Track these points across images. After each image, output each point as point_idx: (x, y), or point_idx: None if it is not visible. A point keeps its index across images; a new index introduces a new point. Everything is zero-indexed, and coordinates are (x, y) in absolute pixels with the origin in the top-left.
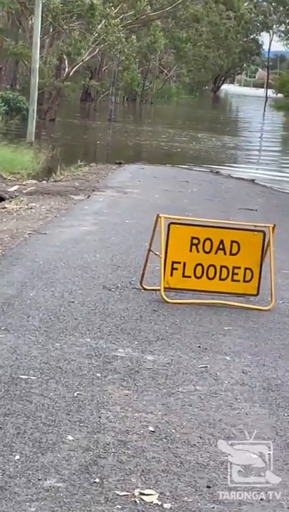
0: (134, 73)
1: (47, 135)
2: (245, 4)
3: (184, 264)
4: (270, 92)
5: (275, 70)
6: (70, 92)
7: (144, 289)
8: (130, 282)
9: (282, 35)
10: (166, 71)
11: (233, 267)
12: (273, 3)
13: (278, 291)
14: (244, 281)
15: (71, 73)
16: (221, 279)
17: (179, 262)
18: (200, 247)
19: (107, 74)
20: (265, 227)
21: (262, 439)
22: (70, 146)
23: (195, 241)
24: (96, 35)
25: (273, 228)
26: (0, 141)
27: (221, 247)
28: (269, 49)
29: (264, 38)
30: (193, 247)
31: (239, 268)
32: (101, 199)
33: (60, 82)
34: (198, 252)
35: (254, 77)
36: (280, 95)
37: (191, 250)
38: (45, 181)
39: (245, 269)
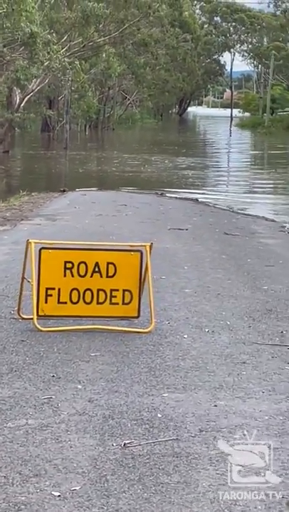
0: (91, 100)
1: None
2: (205, 26)
3: (59, 289)
4: (237, 112)
5: (241, 90)
6: (31, 122)
7: (22, 318)
8: (11, 312)
9: (246, 54)
10: (128, 96)
11: (111, 290)
12: (233, 23)
13: (170, 311)
14: (123, 303)
15: (23, 104)
16: (98, 302)
17: (53, 288)
18: (74, 271)
19: (64, 103)
20: (141, 246)
21: (75, 472)
22: (18, 176)
23: (69, 265)
24: (39, 63)
25: (150, 247)
26: None
27: (96, 269)
28: (231, 69)
29: (227, 58)
30: (67, 271)
31: (117, 290)
32: (25, 228)
33: (11, 113)
34: (72, 276)
35: (222, 97)
36: (247, 114)
37: (65, 275)
38: None
39: (124, 291)
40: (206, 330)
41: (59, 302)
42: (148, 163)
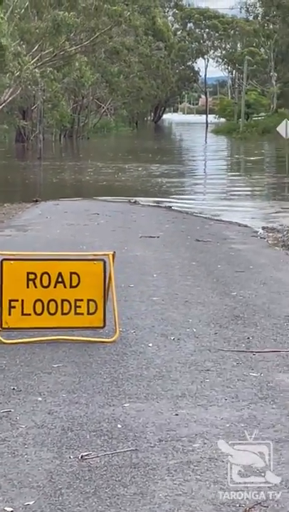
0: (64, 110)
1: None
2: (179, 33)
3: (22, 301)
4: (212, 118)
5: (216, 96)
6: (5, 133)
7: None
8: None
9: (220, 60)
10: (102, 105)
11: (75, 300)
12: (206, 30)
13: (136, 319)
14: (88, 313)
15: None
16: (63, 313)
17: (17, 300)
18: (37, 282)
19: (38, 113)
20: (104, 255)
21: (30, 487)
22: None
23: (31, 276)
24: (9, 74)
25: (113, 256)
26: None
27: (60, 280)
28: (205, 75)
29: (201, 64)
30: (30, 282)
31: (82, 300)
32: None
33: None
34: (36, 287)
35: (197, 103)
36: (222, 120)
37: (28, 286)
38: None
39: (88, 300)
40: (172, 338)
41: (23, 314)
42: (122, 172)
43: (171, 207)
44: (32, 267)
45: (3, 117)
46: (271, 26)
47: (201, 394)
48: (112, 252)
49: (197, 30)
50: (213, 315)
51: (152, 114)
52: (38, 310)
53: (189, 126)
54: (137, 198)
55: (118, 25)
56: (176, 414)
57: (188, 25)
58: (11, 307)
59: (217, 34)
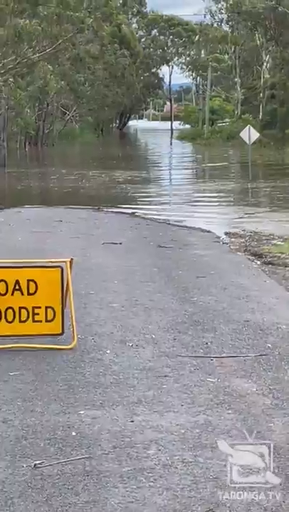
0: (28, 117)
1: None
2: (143, 40)
3: None
4: (178, 124)
5: (181, 102)
6: None
7: None
8: None
9: (184, 67)
10: (67, 112)
11: (33, 307)
12: (170, 37)
13: (95, 326)
14: (46, 320)
15: None
16: (21, 321)
17: None
18: None
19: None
20: (62, 262)
21: None
22: None
23: None
24: None
25: (71, 262)
26: None
27: (17, 287)
28: (170, 82)
29: (166, 71)
30: None
31: (39, 308)
32: None
33: None
34: None
35: (162, 110)
36: (187, 126)
37: None
38: None
39: (46, 308)
40: (130, 344)
41: None
42: (86, 178)
43: (134, 213)
44: None
45: None
46: (236, 33)
47: (158, 400)
48: (69, 259)
49: (161, 37)
50: (172, 321)
51: (117, 121)
52: None
53: (154, 132)
54: (101, 205)
55: (81, 32)
56: (132, 421)
57: (153, 32)
58: None
59: (181, 41)
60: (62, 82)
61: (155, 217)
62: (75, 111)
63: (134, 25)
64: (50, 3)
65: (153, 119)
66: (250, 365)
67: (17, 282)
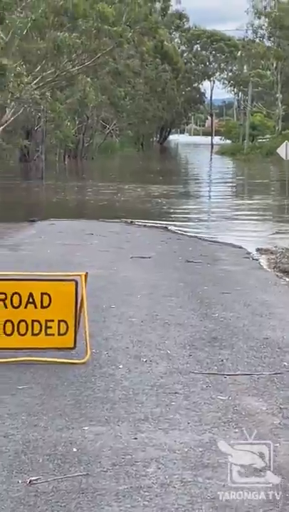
0: (67, 130)
1: None
2: (185, 54)
3: None
4: (218, 139)
5: (223, 117)
6: (9, 153)
7: None
8: None
9: (226, 82)
10: (107, 125)
11: (46, 321)
12: (213, 52)
13: (111, 340)
14: (59, 334)
15: None
16: (33, 334)
17: None
18: (8, 302)
19: (44, 133)
20: (77, 275)
21: None
22: None
23: (2, 296)
24: (9, 94)
25: (85, 276)
26: None
27: (30, 300)
28: (211, 97)
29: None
30: (0, 302)
31: (52, 321)
32: None
33: None
34: (6, 307)
35: (204, 125)
36: (228, 141)
37: None
38: None
39: (59, 321)
40: (144, 360)
41: None
42: (122, 192)
43: (167, 227)
44: (2, 287)
45: (7, 137)
46: (278, 48)
47: (165, 417)
48: (84, 273)
49: (203, 52)
50: (190, 337)
51: (158, 135)
52: (8, 330)
53: (194, 147)
54: (134, 219)
55: (120, 46)
56: (135, 438)
57: (195, 47)
58: None
59: (223, 56)
60: (103, 96)
61: (188, 232)
62: (115, 124)
63: (177, 40)
64: (89, 17)
65: (194, 134)
66: (263, 384)
67: (31, 295)
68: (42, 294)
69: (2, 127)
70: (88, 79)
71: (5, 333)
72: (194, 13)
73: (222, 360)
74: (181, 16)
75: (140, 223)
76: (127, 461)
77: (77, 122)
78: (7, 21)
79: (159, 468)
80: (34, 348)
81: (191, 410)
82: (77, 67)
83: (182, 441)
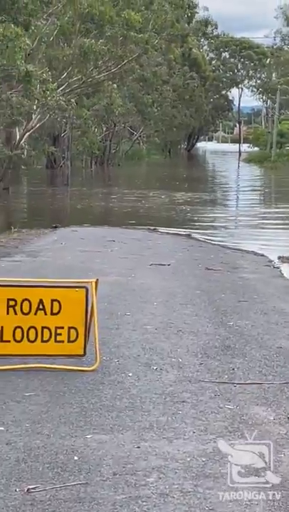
0: (93, 137)
1: None
2: (213, 62)
3: (2, 327)
4: (246, 147)
5: (251, 125)
6: (37, 159)
7: None
8: None
9: (254, 89)
10: (135, 132)
11: (56, 327)
12: (241, 59)
13: (123, 348)
14: (69, 341)
15: (23, 140)
16: (43, 341)
17: None
18: (18, 308)
19: (70, 139)
20: (87, 282)
21: None
22: (14, 213)
23: (12, 302)
24: (35, 101)
25: (96, 283)
26: None
27: (40, 307)
28: (239, 104)
29: (236, 93)
30: (10, 309)
31: (62, 328)
32: (3, 265)
33: (10, 150)
34: (16, 314)
35: (232, 132)
36: (256, 148)
37: (8, 313)
38: None
39: (69, 328)
40: (154, 368)
41: (2, 341)
42: (146, 199)
43: (190, 235)
44: (12, 293)
45: (33, 143)
46: None
47: (170, 426)
48: (94, 280)
49: (232, 59)
50: (203, 345)
51: (186, 142)
52: (18, 337)
53: (222, 154)
54: (158, 226)
55: (146, 54)
56: (138, 447)
57: (223, 54)
58: None
59: (252, 64)
60: (131, 104)
61: (211, 239)
62: (142, 131)
63: (205, 47)
64: (116, 23)
65: (222, 141)
66: (273, 393)
67: (41, 302)
68: (52, 300)
69: (28, 133)
70: (114, 85)
71: (14, 339)
72: (222, 20)
73: (233, 369)
74: (207, 22)
75: (163, 230)
76: (127, 470)
77: (104, 129)
78: (33, 28)
79: (160, 478)
80: (43, 354)
81: (197, 419)
82: (103, 74)
83: (185, 450)
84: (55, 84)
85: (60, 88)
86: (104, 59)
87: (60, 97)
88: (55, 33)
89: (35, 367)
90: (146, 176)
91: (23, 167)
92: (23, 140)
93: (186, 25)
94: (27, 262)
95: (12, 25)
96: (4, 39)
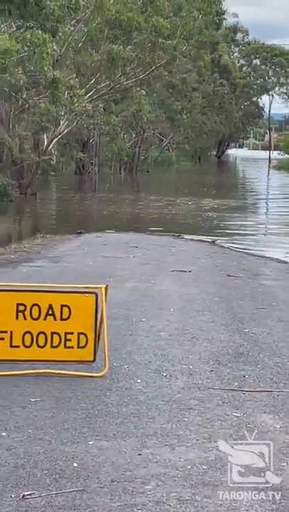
0: (122, 143)
1: (20, 209)
2: (244, 68)
3: (11, 333)
4: (277, 154)
5: (282, 132)
6: (66, 165)
7: None
8: None
9: (285, 96)
10: (164, 139)
11: (65, 333)
12: (272, 66)
13: (134, 354)
14: (78, 347)
15: (50, 146)
16: (52, 346)
17: (5, 332)
18: (27, 313)
19: (98, 146)
20: (97, 288)
21: None
22: (40, 219)
23: (21, 307)
24: (64, 107)
25: (106, 289)
26: None
27: (50, 312)
28: (269, 111)
29: (266, 100)
30: (20, 314)
31: (72, 333)
32: (24, 270)
33: (37, 156)
34: (25, 319)
35: (263, 139)
36: (287, 156)
37: (17, 318)
38: None
39: (79, 334)
40: (164, 374)
41: (11, 346)
42: (173, 205)
43: (214, 241)
44: (22, 298)
45: (62, 150)
46: None
47: (174, 433)
48: (104, 285)
49: (263, 66)
50: (216, 352)
51: (216, 149)
52: (27, 342)
53: (253, 161)
54: (183, 232)
55: (174, 60)
56: (139, 454)
57: (254, 61)
58: None
59: (283, 71)
60: (160, 110)
61: (235, 246)
62: (171, 138)
63: (236, 54)
64: (144, 29)
65: (254, 148)
66: (282, 401)
67: (50, 307)
68: (62, 306)
69: (56, 139)
70: (143, 91)
71: (24, 344)
72: (253, 27)
73: (244, 376)
74: (236, 29)
75: (187, 237)
76: (126, 477)
77: (133, 135)
78: (60, 34)
79: (158, 486)
80: (53, 360)
81: (202, 427)
82: (131, 81)
83: (187, 458)
84: (83, 91)
85: (88, 94)
86: (132, 65)
87: (87, 103)
88: (84, 39)
89: (44, 372)
90: (175, 182)
91: (52, 173)
92: (50, 146)
93: (215, 31)
94: (48, 267)
95: (39, 32)
96: (31, 45)
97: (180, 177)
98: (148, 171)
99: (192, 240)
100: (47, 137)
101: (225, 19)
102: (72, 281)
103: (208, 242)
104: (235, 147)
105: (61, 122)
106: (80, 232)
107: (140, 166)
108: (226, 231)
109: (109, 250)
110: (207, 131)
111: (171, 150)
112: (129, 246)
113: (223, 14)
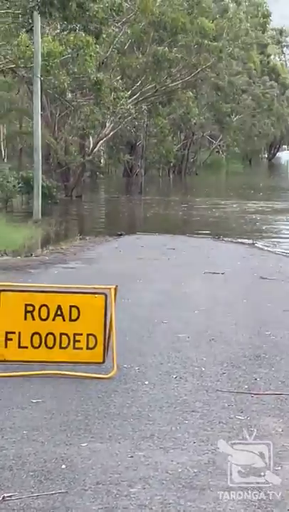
0: (170, 145)
1: (64, 211)
2: None
3: (19, 333)
4: None
5: None
6: (114, 168)
7: None
8: None
9: None
10: (214, 141)
11: (74, 334)
12: None
13: (148, 356)
14: (87, 348)
15: (96, 148)
16: (61, 347)
17: (14, 332)
18: (36, 314)
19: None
20: (106, 288)
21: None
22: (84, 221)
23: (30, 308)
24: (107, 109)
25: (115, 289)
26: (10, 220)
27: (59, 313)
28: None
29: None
30: (28, 314)
31: (81, 335)
32: (56, 272)
33: (82, 158)
34: (34, 319)
35: None
36: None
37: (26, 318)
38: (19, 257)
39: (88, 335)
40: (174, 376)
41: (20, 347)
42: (217, 208)
43: (254, 244)
44: (31, 298)
45: (109, 152)
46: None
47: (171, 436)
48: (114, 286)
49: None
50: (232, 354)
51: (267, 151)
52: (36, 343)
53: None
54: (224, 234)
55: (219, 61)
56: (131, 457)
57: None
58: (7, 339)
59: None
60: (210, 113)
61: (275, 249)
62: (221, 140)
63: (287, 56)
64: (190, 31)
65: None
66: None
67: (59, 307)
68: (70, 306)
69: (102, 141)
70: (190, 93)
71: (32, 345)
72: None
73: (255, 379)
74: (281, 31)
75: (227, 239)
76: (112, 480)
77: (182, 138)
78: (104, 36)
79: (144, 489)
80: (61, 361)
81: (202, 429)
82: (176, 82)
83: (179, 461)
84: (128, 93)
85: (134, 97)
86: (177, 67)
87: (131, 106)
88: (129, 41)
89: (51, 373)
90: (222, 185)
91: (100, 175)
92: (96, 148)
93: (261, 33)
94: (81, 268)
95: (83, 34)
96: (75, 47)
97: (228, 179)
98: (197, 174)
99: (232, 241)
100: (93, 139)
101: (271, 21)
102: (101, 283)
103: (247, 244)
104: (288, 150)
105: (107, 124)
106: (120, 234)
107: (189, 168)
108: (268, 233)
109: (146, 252)
110: (257, 134)
111: (221, 153)
112: (166, 248)
113: (269, 16)
